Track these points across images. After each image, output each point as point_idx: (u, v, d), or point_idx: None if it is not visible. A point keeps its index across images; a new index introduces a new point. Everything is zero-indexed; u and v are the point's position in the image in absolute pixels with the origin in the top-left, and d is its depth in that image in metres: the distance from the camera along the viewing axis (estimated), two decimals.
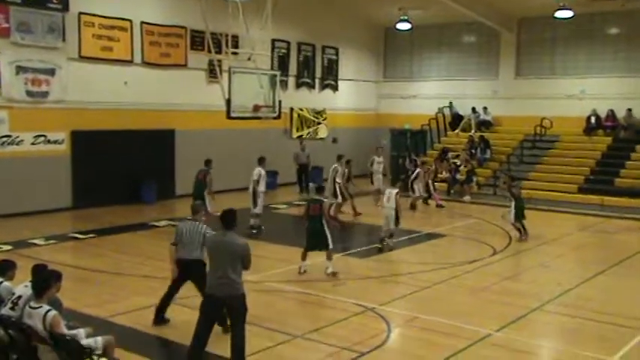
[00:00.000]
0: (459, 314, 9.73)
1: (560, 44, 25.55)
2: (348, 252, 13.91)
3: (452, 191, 22.89)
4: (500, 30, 26.18)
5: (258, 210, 15.69)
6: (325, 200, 12.22)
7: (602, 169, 22.53)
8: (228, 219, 7.36)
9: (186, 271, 8.83)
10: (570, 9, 22.58)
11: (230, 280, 7.18)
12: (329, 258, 11.83)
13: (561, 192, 21.63)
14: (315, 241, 11.80)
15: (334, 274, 11.69)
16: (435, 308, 10.08)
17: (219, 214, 7.48)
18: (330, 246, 11.79)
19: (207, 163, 15.86)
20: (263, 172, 15.74)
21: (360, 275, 12.18)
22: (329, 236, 11.75)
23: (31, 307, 6.46)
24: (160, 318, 9.13)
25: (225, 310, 7.36)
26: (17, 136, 17.35)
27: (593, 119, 24.07)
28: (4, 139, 17.11)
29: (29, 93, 17.48)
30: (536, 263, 13.30)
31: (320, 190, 12.63)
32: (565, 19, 23.40)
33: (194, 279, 8.85)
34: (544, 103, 25.11)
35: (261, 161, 15.97)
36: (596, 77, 24.55)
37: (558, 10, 22.78)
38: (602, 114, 24.04)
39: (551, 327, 9.72)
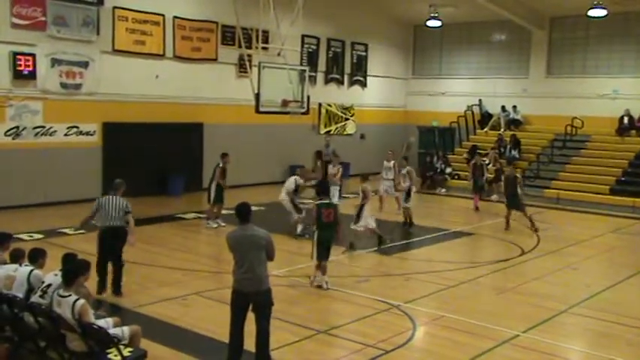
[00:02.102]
0: (485, 314, 9.66)
1: (592, 43, 25.18)
2: (373, 249, 13.89)
3: None
4: (532, 28, 25.88)
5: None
6: (337, 204, 10.98)
7: (635, 171, 22.17)
8: (244, 212, 7.33)
9: (107, 237, 9.84)
10: (604, 7, 22.22)
11: (255, 274, 7.17)
12: (325, 271, 10.73)
13: (592, 193, 21.36)
14: (326, 252, 10.75)
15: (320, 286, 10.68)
16: (461, 307, 10.01)
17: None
18: (329, 258, 10.80)
19: (222, 156, 15.85)
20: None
21: (385, 272, 12.16)
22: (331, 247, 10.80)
23: (60, 296, 6.56)
24: (103, 286, 9.93)
25: (251, 305, 7.30)
26: (51, 127, 17.66)
27: (625, 119, 23.71)
28: (38, 129, 17.42)
29: (63, 85, 17.77)
30: (565, 265, 13.12)
31: (327, 192, 11.22)
32: (598, 17, 23.03)
33: (113, 243, 9.86)
34: (575, 102, 24.79)
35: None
36: (630, 77, 24.17)
37: (592, 8, 22.43)
38: (636, 114, 23.65)
39: (579, 330, 9.61)
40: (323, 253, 10.68)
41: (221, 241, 13.31)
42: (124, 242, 10.05)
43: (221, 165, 15.64)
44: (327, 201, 10.87)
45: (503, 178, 17.98)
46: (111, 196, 10.11)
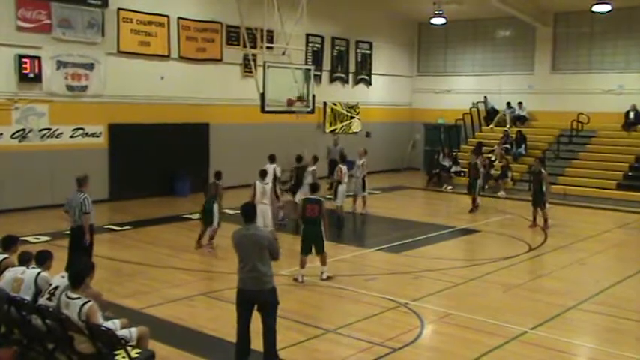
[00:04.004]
0: (493, 311, 9.64)
1: (597, 38, 25.08)
2: (381, 247, 13.88)
3: (486, 187, 22.65)
4: (536, 24, 25.79)
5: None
6: (323, 200, 11.23)
7: None
8: (249, 212, 7.45)
9: (72, 236, 10.16)
10: (608, 3, 22.11)
11: (259, 273, 7.19)
12: (324, 262, 11.09)
13: (599, 188, 21.30)
14: (310, 246, 11.02)
15: (330, 277, 11.08)
16: (469, 305, 9.99)
17: None
18: (324, 249, 11.09)
19: (219, 175, 13.83)
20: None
21: (392, 270, 12.15)
22: (324, 239, 11.04)
23: (68, 297, 6.56)
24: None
25: (256, 304, 7.31)
26: (57, 129, 17.70)
27: (631, 114, 23.61)
28: (45, 131, 17.47)
29: (69, 87, 17.82)
30: (573, 260, 13.08)
31: (315, 188, 11.59)
32: (603, 13, 22.93)
33: (77, 242, 10.04)
34: (581, 98, 24.68)
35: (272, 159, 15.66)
36: (635, 72, 24.08)
37: (596, 4, 22.32)
38: None
39: (588, 326, 9.57)
40: (308, 248, 10.96)
41: (227, 242, 13.38)
42: (78, 247, 10.09)
43: (220, 183, 13.76)
44: (314, 197, 11.20)
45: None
46: (74, 194, 10.24)
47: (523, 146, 24.55)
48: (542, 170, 16.60)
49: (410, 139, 29.31)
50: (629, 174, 21.87)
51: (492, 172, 22.83)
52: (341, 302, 10.32)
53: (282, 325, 7.49)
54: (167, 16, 19.90)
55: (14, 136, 16.96)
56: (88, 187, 10.47)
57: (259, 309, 7.33)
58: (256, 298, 7.26)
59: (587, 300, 10.36)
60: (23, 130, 17.08)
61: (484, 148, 24.41)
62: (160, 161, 19.78)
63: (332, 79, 26.02)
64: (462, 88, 28.00)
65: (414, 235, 15.11)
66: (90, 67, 18.17)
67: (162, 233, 15.08)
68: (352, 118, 26.82)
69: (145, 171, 19.42)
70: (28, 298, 7.13)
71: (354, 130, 26.82)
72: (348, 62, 26.58)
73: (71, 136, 18.06)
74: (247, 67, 20.80)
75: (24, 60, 16.83)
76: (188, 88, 20.42)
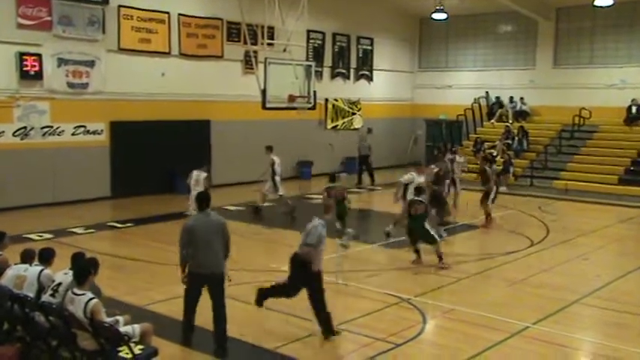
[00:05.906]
0: (495, 306, 9.64)
1: (599, 33, 25.02)
2: (383, 243, 13.87)
3: None
4: (538, 19, 25.76)
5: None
6: (425, 201, 12.55)
7: None
8: (206, 199, 8.00)
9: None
10: None
11: (217, 258, 7.73)
12: (437, 254, 12.10)
13: (601, 183, 21.25)
14: (416, 239, 12.30)
15: (444, 267, 11.85)
16: (472, 300, 9.99)
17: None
18: (436, 241, 12.21)
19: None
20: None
21: (395, 266, 12.15)
22: (431, 232, 12.16)
23: (74, 294, 6.56)
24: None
25: (207, 285, 7.85)
26: (58, 127, 17.71)
27: (633, 109, 23.56)
28: (46, 129, 17.48)
29: (70, 84, 17.82)
30: (575, 255, 13.08)
31: (421, 190, 12.76)
32: (605, 7, 22.87)
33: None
34: (583, 92, 24.65)
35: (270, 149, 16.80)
36: (638, 66, 24.00)
37: None
38: None
39: (591, 320, 9.59)
40: (414, 240, 12.15)
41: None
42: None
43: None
44: (419, 198, 12.35)
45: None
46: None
47: (525, 141, 24.53)
48: (487, 168, 16.45)
49: (412, 134, 29.30)
50: (631, 169, 21.82)
51: (494, 167, 22.74)
52: (343, 298, 10.31)
53: (284, 320, 7.51)
54: (168, 12, 19.89)
55: (16, 134, 16.97)
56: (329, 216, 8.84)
57: (210, 290, 7.85)
58: (211, 280, 7.77)
59: (590, 295, 10.37)
60: (25, 127, 17.09)
61: (486, 143, 24.36)
62: (161, 158, 19.77)
63: (333, 75, 25.99)
64: (463, 84, 27.98)
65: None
66: (91, 64, 18.17)
67: (164, 230, 15.07)
68: (353, 114, 26.81)
69: (146, 168, 19.42)
70: (31, 295, 7.14)
71: (356, 126, 26.80)
72: (349, 58, 26.56)
73: (72, 134, 18.07)
74: (248, 63, 20.81)
75: (24, 57, 16.84)
76: (189, 85, 20.41)
